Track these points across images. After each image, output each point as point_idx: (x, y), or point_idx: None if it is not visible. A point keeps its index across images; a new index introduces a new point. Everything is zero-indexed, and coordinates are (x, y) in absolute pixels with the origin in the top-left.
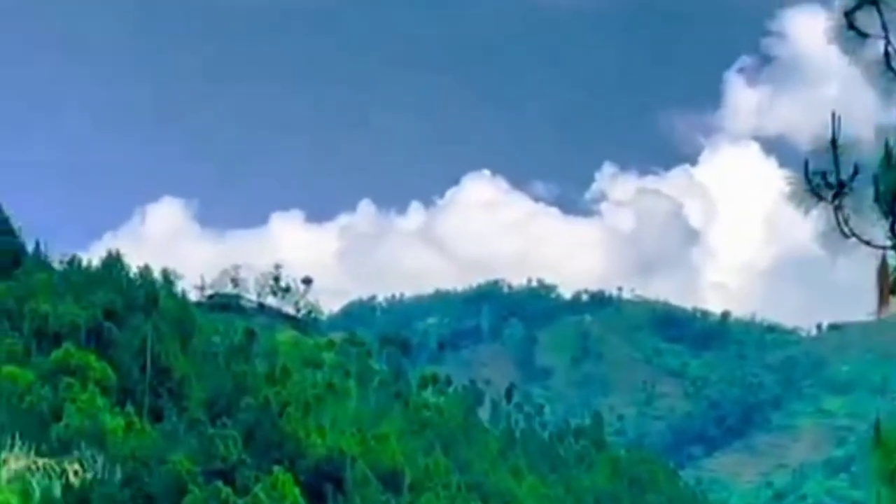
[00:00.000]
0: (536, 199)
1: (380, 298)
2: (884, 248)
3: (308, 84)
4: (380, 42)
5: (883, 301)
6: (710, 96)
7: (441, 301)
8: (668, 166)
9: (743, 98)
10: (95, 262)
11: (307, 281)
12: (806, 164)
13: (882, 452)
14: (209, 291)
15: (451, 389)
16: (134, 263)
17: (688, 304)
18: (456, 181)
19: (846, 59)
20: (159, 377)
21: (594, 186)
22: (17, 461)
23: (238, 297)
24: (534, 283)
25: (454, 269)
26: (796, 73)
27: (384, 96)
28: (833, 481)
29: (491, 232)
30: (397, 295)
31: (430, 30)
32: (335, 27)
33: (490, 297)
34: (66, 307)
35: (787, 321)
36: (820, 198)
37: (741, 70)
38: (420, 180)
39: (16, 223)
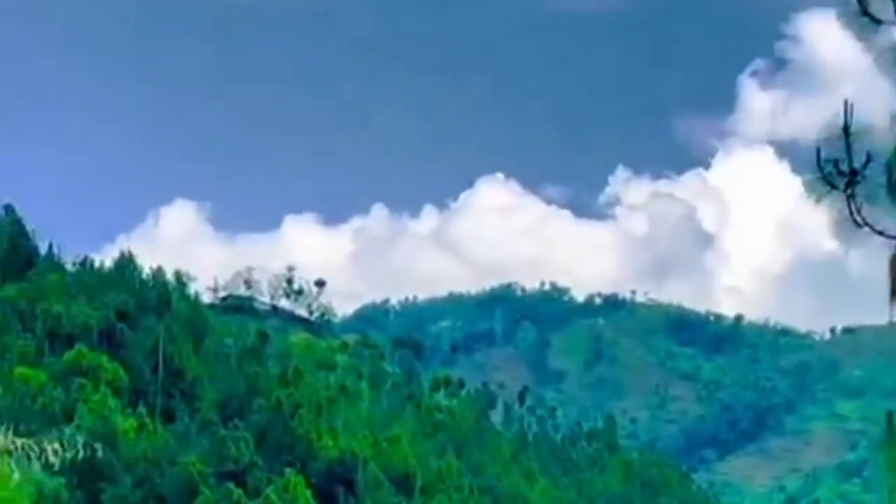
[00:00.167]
0: (550, 202)
1: (393, 301)
2: None
3: (322, 86)
4: (391, 43)
5: None
6: (724, 100)
7: (454, 304)
8: (681, 170)
9: (757, 102)
10: (108, 264)
11: (320, 283)
12: (818, 151)
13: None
14: (222, 293)
15: (463, 392)
16: (147, 265)
17: (701, 308)
18: (469, 185)
19: (861, 62)
20: (171, 378)
21: (608, 190)
22: None
23: (251, 299)
24: (547, 287)
25: (467, 272)
26: (811, 77)
27: (398, 99)
28: (846, 485)
29: (504, 235)
30: (410, 298)
31: (444, 32)
32: (344, 28)
33: (503, 301)
34: (79, 308)
35: (801, 325)
36: (832, 186)
37: (754, 73)
38: (433, 184)
39: (29, 226)
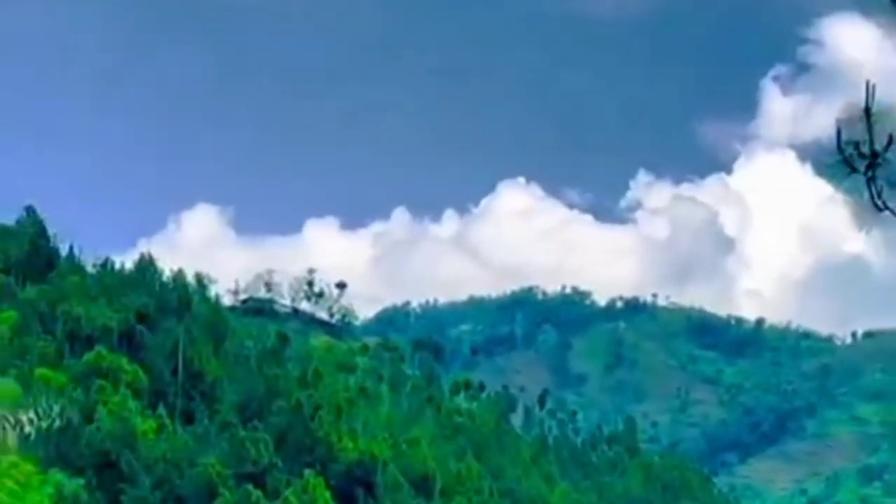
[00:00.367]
0: (571, 206)
1: (414, 305)
2: None
3: (345, 90)
4: (415, 47)
5: None
6: (746, 105)
7: (475, 308)
8: (703, 174)
9: (779, 106)
10: (129, 266)
11: (341, 286)
12: (838, 132)
13: None
14: (243, 296)
15: (483, 395)
16: (168, 269)
17: (722, 312)
18: (491, 189)
19: (883, 65)
20: (191, 380)
21: (629, 194)
22: None
23: (272, 301)
24: (568, 290)
25: (488, 275)
26: (833, 82)
27: (422, 103)
28: (867, 489)
29: (525, 239)
30: (431, 301)
31: (469, 36)
32: (370, 30)
33: (524, 304)
34: (99, 310)
35: (822, 329)
36: (853, 168)
37: (776, 78)
38: (454, 188)
39: (50, 228)
